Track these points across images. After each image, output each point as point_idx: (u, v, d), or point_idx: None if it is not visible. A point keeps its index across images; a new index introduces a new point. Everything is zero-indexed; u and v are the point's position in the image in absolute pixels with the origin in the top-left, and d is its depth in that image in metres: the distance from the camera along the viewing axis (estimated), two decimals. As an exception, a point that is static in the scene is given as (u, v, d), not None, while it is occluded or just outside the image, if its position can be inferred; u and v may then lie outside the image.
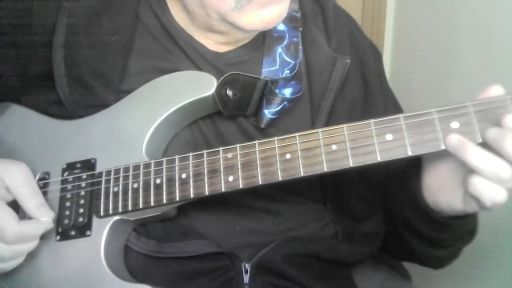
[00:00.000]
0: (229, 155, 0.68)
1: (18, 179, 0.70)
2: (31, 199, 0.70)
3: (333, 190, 0.85)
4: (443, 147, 0.61)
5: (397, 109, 0.95)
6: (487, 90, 0.62)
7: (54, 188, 0.77)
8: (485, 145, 0.60)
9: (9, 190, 0.70)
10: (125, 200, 0.72)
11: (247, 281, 0.78)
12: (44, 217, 0.70)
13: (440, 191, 0.68)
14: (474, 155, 0.59)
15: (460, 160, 0.60)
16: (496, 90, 0.61)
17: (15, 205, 0.71)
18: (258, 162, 0.67)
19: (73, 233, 0.74)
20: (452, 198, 0.66)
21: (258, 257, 0.79)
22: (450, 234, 0.75)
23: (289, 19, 0.84)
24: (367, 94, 0.89)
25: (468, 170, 0.62)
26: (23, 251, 0.70)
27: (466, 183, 0.61)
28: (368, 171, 0.84)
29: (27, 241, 0.69)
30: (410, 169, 0.73)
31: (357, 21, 0.97)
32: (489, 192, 0.59)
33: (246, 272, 0.78)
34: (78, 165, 0.77)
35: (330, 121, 0.81)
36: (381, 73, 0.94)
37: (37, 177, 0.78)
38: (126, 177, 0.73)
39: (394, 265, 0.95)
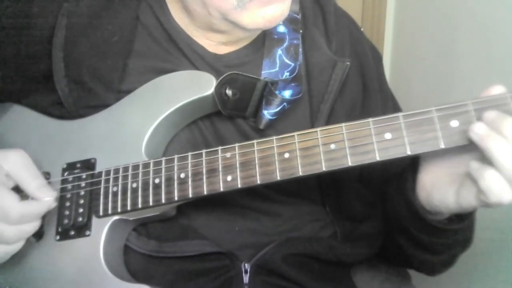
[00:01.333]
0: (228, 154, 0.68)
1: (17, 164, 0.70)
2: (31, 181, 0.70)
3: (332, 191, 0.85)
4: (442, 146, 0.61)
5: (397, 111, 0.94)
6: (488, 89, 0.61)
7: (54, 188, 0.77)
8: None
9: (9, 176, 0.70)
10: (124, 200, 0.72)
11: (247, 281, 0.78)
12: (46, 197, 0.70)
13: (434, 187, 0.68)
14: (501, 147, 0.58)
15: (483, 149, 0.59)
16: (497, 90, 0.61)
17: (17, 192, 0.71)
18: (256, 161, 0.67)
19: (72, 233, 0.74)
20: (445, 194, 0.66)
21: (258, 257, 0.79)
22: (443, 240, 0.75)
23: (290, 21, 0.84)
24: (366, 96, 0.89)
25: (465, 173, 0.61)
26: (27, 231, 0.69)
27: (477, 176, 0.60)
28: (367, 172, 0.84)
29: (30, 220, 0.69)
30: (408, 171, 0.73)
31: (357, 22, 0.97)
32: (499, 188, 0.58)
33: (246, 272, 0.78)
34: (78, 165, 0.77)
35: (329, 123, 0.81)
36: (381, 75, 0.94)
37: (37, 176, 0.78)
38: (125, 177, 0.73)
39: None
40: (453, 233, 0.73)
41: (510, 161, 0.57)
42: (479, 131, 0.59)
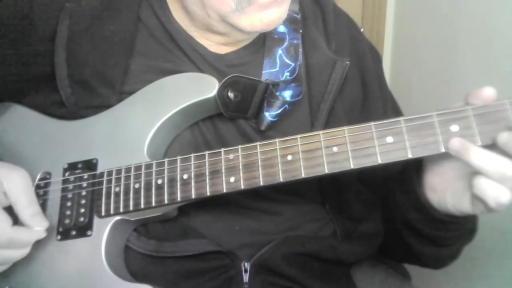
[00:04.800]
0: (231, 156, 0.69)
1: (17, 185, 0.70)
2: (27, 207, 0.70)
3: (332, 190, 0.85)
4: (443, 150, 0.61)
5: (396, 111, 0.95)
6: (480, 90, 0.62)
7: (55, 188, 0.77)
8: (486, 147, 0.60)
9: (7, 195, 0.69)
10: (126, 200, 0.73)
11: (247, 280, 0.78)
12: (38, 227, 0.69)
13: (447, 191, 0.68)
14: (477, 156, 0.59)
15: (464, 162, 0.61)
16: (488, 91, 0.61)
17: (10, 211, 0.70)
18: (259, 163, 0.67)
19: (74, 233, 0.74)
20: (460, 200, 0.67)
21: (258, 256, 0.79)
22: (451, 233, 0.75)
23: (290, 21, 0.85)
24: (366, 95, 0.89)
25: (472, 172, 0.62)
26: (13, 257, 0.69)
27: (471, 185, 0.62)
28: (366, 172, 0.84)
29: (18, 247, 0.69)
30: (410, 169, 0.74)
31: (357, 22, 0.98)
32: (493, 192, 0.59)
33: (246, 271, 0.78)
34: (80, 165, 0.77)
35: (329, 123, 0.82)
36: (380, 75, 0.94)
37: (38, 177, 0.78)
38: (127, 178, 0.73)
39: (394, 265, 0.96)
40: (461, 224, 0.74)
41: (493, 163, 0.59)
42: (453, 147, 0.61)
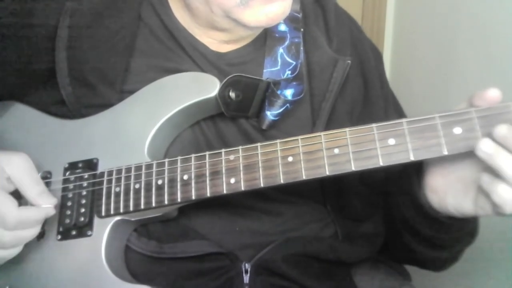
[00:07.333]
0: (231, 157, 0.68)
1: (19, 168, 0.70)
2: (32, 188, 0.70)
3: (334, 191, 0.85)
4: (445, 153, 0.61)
5: (398, 110, 0.95)
6: (485, 91, 0.61)
7: (56, 187, 0.77)
8: None
9: (11, 180, 0.70)
10: (126, 200, 0.72)
11: (247, 281, 0.78)
12: (45, 204, 0.70)
13: (448, 192, 0.68)
14: (508, 163, 0.57)
15: (492, 167, 0.59)
16: (493, 92, 0.61)
17: (17, 196, 0.70)
18: (260, 164, 0.67)
19: (74, 232, 0.74)
20: (462, 201, 0.66)
21: (258, 257, 0.79)
22: (451, 235, 0.75)
23: (291, 20, 0.85)
24: (367, 94, 0.89)
25: (475, 172, 0.61)
26: (24, 237, 0.69)
27: (489, 191, 0.60)
28: (368, 172, 0.84)
29: (28, 226, 0.69)
30: (411, 170, 0.73)
31: (357, 21, 0.98)
32: None
33: (246, 272, 0.78)
34: (80, 165, 0.77)
35: (330, 122, 0.82)
36: (382, 74, 0.94)
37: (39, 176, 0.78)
38: (128, 178, 0.73)
39: (394, 265, 0.96)
40: (461, 226, 0.73)
41: None
42: (487, 150, 0.58)
